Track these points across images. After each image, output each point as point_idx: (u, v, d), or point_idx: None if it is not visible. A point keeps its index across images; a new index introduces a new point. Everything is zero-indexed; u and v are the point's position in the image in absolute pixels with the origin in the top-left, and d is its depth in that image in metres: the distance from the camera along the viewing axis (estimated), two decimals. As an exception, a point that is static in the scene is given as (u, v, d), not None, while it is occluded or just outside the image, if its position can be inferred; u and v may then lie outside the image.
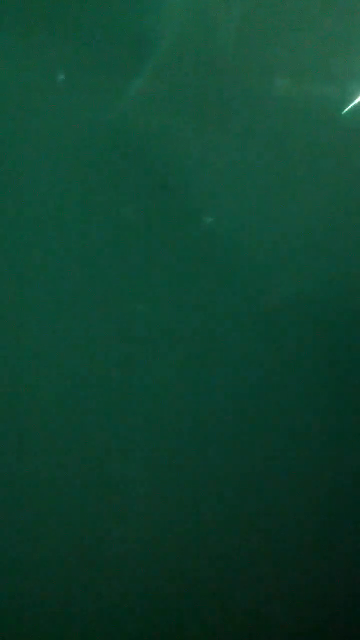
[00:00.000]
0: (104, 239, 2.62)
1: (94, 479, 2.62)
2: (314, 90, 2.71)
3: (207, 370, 2.71)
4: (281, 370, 2.76)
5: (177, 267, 2.67)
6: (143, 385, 2.66)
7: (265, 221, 2.71)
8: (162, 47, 2.61)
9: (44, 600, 2.60)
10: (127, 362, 2.66)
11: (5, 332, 2.55)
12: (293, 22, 2.69)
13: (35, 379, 2.57)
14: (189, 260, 2.67)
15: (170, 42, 2.60)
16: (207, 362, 2.71)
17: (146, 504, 2.68)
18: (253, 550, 2.74)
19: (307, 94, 2.70)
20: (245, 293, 2.71)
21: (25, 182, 2.56)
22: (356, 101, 2.72)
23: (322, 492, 2.78)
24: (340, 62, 2.70)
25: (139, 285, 2.64)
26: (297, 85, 2.70)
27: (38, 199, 2.57)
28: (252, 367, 2.73)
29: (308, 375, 2.78)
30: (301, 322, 2.75)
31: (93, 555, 2.62)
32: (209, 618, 2.72)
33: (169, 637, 2.68)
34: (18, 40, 2.54)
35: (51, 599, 2.60)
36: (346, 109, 2.74)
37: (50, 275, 2.58)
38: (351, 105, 2.73)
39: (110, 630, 2.65)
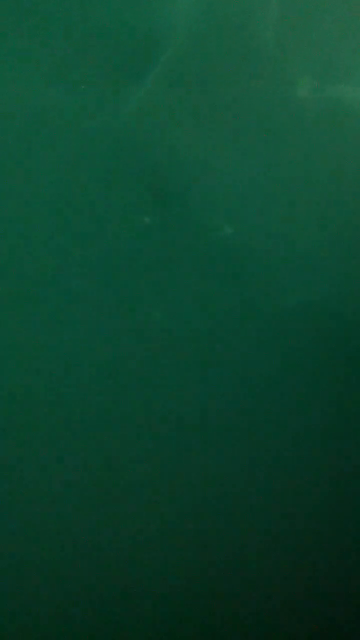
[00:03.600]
0: (113, 244, 2.59)
1: (98, 484, 2.62)
2: (337, 92, 2.62)
3: (214, 373, 2.70)
4: (289, 373, 2.75)
5: (185, 272, 2.64)
6: (152, 388, 2.65)
7: (277, 228, 2.67)
8: (168, 51, 2.54)
9: (43, 599, 2.62)
10: (134, 365, 2.64)
11: (14, 335, 2.53)
12: (311, 22, 2.60)
13: (46, 380, 2.57)
14: (196, 265, 2.64)
15: (176, 46, 2.54)
16: (215, 366, 2.69)
17: (148, 503, 2.69)
18: (253, 552, 2.75)
19: (329, 95, 2.62)
20: (253, 298, 2.68)
21: (28, 188, 2.53)
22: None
23: (324, 492, 2.79)
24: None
25: (146, 291, 2.62)
26: (318, 87, 2.62)
27: (41, 204, 2.55)
28: (259, 371, 2.72)
29: (315, 378, 2.77)
30: (309, 327, 2.72)
31: (93, 558, 2.64)
32: (209, 618, 2.74)
33: (169, 637, 2.71)
34: (22, 45, 2.47)
35: (50, 598, 2.62)
36: None
37: (59, 282, 2.56)
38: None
39: (110, 631, 2.67)
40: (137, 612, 2.69)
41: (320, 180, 2.67)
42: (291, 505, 2.76)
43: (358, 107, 2.66)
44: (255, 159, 2.64)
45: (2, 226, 2.55)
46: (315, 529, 2.79)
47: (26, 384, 2.56)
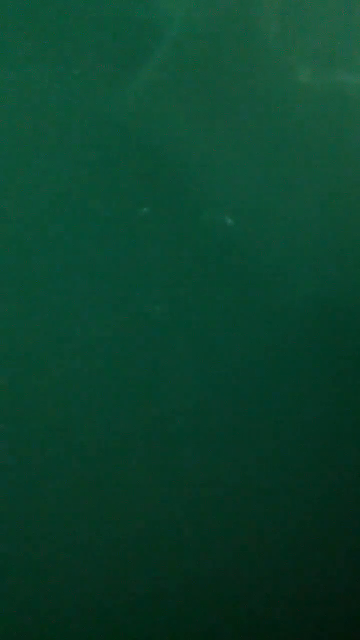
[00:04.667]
0: (110, 235, 2.57)
1: (98, 481, 2.59)
2: (338, 80, 2.63)
3: (214, 367, 2.68)
4: (291, 367, 2.73)
5: (184, 264, 2.64)
6: (151, 382, 2.63)
7: (277, 219, 2.66)
8: (167, 40, 2.54)
9: (43, 599, 2.58)
10: (133, 358, 2.62)
11: (14, 331, 2.51)
12: (315, 12, 2.62)
13: (46, 376, 2.54)
14: (195, 257, 2.64)
15: (175, 36, 2.54)
16: (215, 359, 2.67)
17: (147, 501, 2.65)
18: (253, 552, 2.73)
19: (329, 84, 2.63)
20: (254, 291, 2.68)
21: (23, 178, 2.51)
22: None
23: (326, 490, 2.77)
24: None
25: (145, 282, 2.61)
26: (319, 76, 2.63)
27: (37, 195, 2.53)
28: (260, 366, 2.70)
29: (319, 373, 2.75)
30: (311, 321, 2.72)
31: (91, 558, 2.61)
32: (209, 619, 2.70)
33: (169, 637, 2.67)
34: (24, 32, 2.48)
35: (50, 598, 2.58)
36: None
37: (56, 274, 2.55)
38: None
39: (109, 631, 2.63)
40: (136, 613, 2.65)
41: (323, 169, 2.66)
42: (293, 503, 2.75)
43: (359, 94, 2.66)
44: (255, 149, 2.63)
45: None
46: (315, 527, 2.78)
47: (24, 376, 2.53)
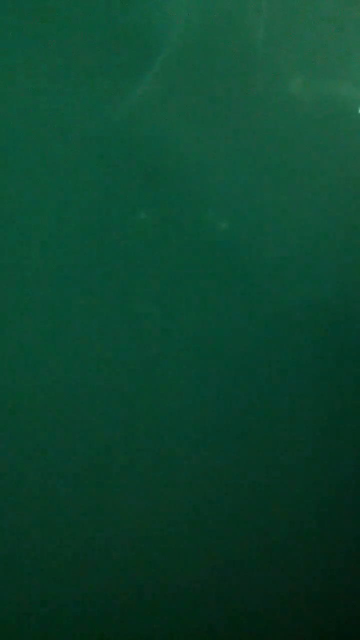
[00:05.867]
0: (108, 240, 2.60)
1: (96, 481, 2.61)
2: (329, 90, 2.65)
3: (212, 371, 2.70)
4: (286, 374, 2.74)
5: (181, 268, 2.65)
6: (148, 387, 2.65)
7: (273, 224, 2.68)
8: (167, 48, 2.56)
9: (43, 602, 2.60)
10: (131, 362, 2.64)
11: (8, 333, 2.53)
12: (306, 20, 2.63)
13: (41, 378, 2.56)
14: (192, 261, 2.65)
15: (175, 43, 2.56)
16: (211, 364, 2.69)
17: (146, 501, 2.67)
18: (253, 556, 2.74)
19: (321, 93, 2.65)
20: (251, 295, 2.69)
21: (22, 184, 2.54)
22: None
23: (323, 492, 2.78)
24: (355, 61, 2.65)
25: (142, 287, 2.63)
26: (310, 85, 2.65)
27: (36, 201, 2.55)
28: (256, 370, 2.71)
29: (313, 379, 2.76)
30: (309, 325, 2.73)
31: (93, 563, 2.62)
32: (209, 620, 2.72)
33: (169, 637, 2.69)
34: (22, 42, 2.51)
35: (52, 600, 2.61)
36: None
37: (55, 278, 2.57)
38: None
39: (110, 631, 2.65)
40: (135, 613, 2.68)
41: (315, 175, 2.69)
42: (293, 506, 2.76)
43: (351, 104, 2.69)
44: (250, 155, 2.65)
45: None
46: (316, 527, 2.79)
47: (22, 378, 2.56)
